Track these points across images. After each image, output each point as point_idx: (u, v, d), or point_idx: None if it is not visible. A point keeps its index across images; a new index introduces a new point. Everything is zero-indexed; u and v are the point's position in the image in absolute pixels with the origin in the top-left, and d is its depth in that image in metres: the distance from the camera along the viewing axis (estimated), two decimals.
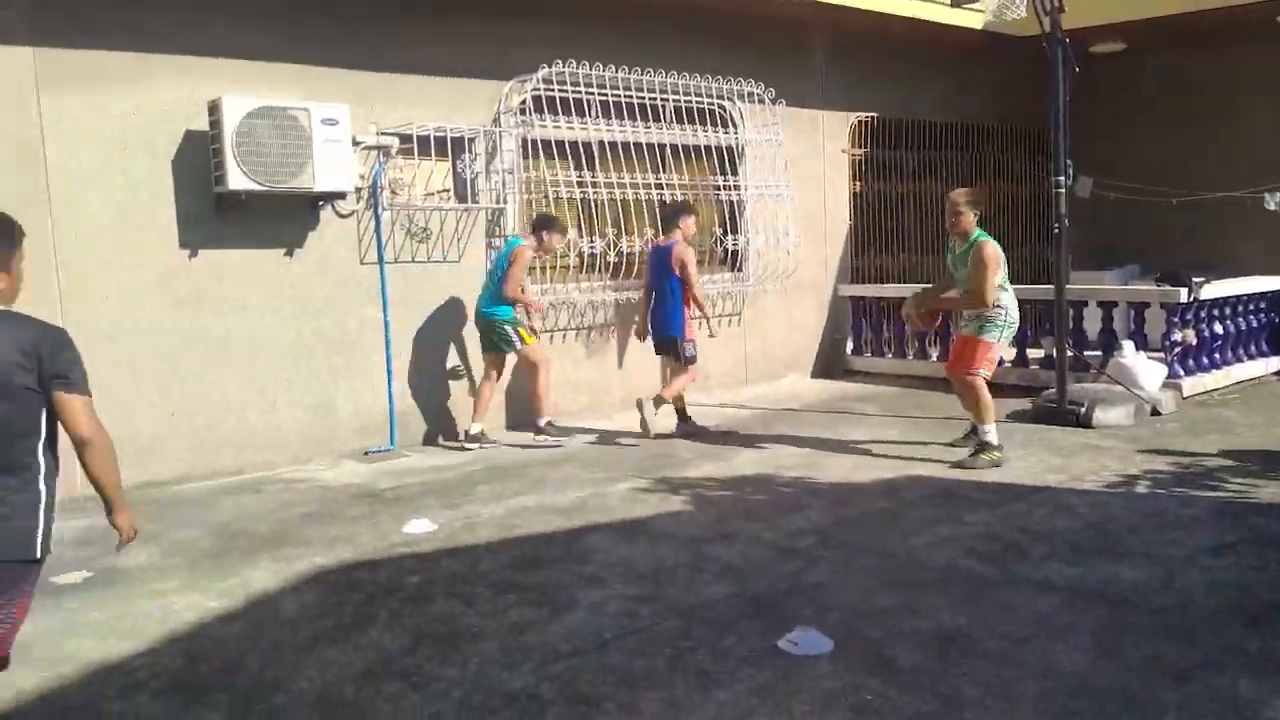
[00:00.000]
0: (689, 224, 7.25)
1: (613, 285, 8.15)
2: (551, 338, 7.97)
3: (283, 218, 6.62)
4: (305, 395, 6.78)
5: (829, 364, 9.96)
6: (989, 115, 11.27)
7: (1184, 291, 7.95)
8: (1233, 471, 5.80)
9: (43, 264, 5.71)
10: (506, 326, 6.91)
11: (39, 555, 2.67)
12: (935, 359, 9.34)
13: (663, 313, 7.21)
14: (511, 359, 7.20)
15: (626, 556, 4.60)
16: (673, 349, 7.23)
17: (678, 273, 7.07)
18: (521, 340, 6.94)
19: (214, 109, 6.15)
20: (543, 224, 7.02)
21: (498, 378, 7.16)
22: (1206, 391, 8.12)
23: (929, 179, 10.89)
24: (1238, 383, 8.49)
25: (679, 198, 8.33)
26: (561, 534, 4.99)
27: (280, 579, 4.44)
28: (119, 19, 6.04)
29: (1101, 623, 3.69)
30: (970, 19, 9.52)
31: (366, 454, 6.92)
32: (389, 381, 7.07)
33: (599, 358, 8.32)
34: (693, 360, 7.21)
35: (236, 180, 6.10)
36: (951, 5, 8.46)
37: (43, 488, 2.67)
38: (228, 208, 6.38)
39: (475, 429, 7.06)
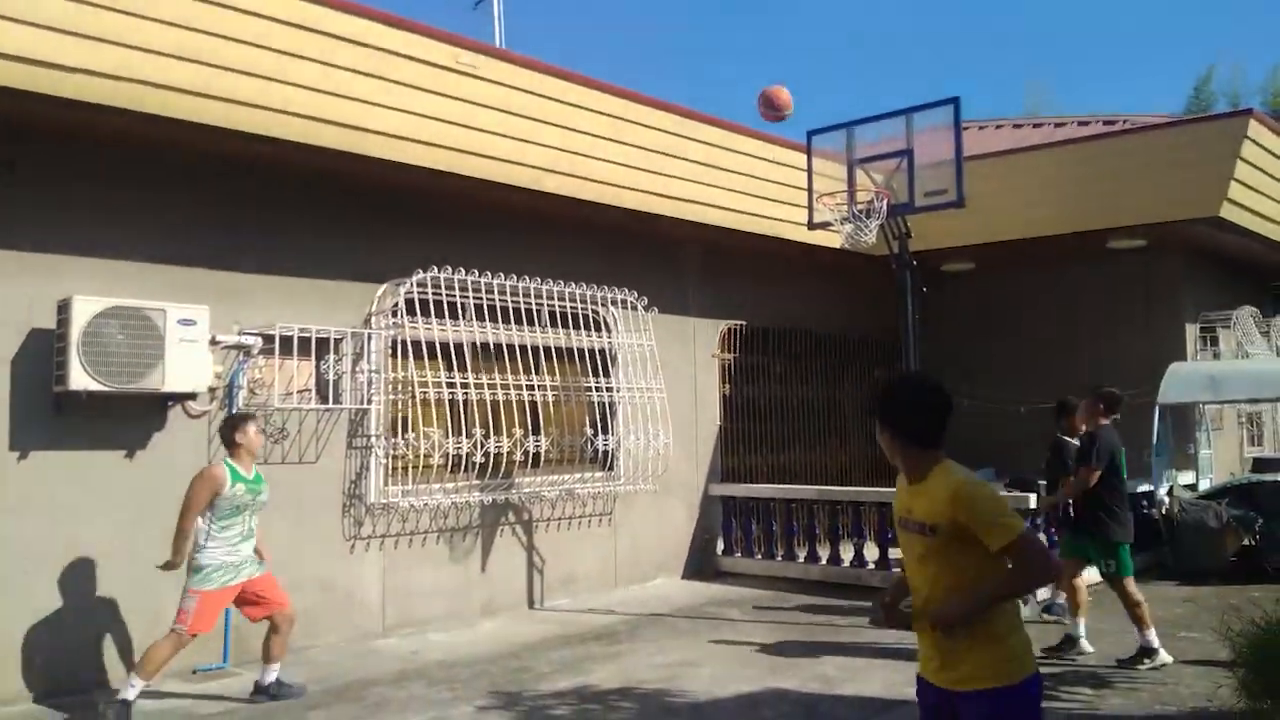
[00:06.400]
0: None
1: (479, 485, 8.01)
2: (410, 541, 7.72)
3: (127, 418, 6.38)
4: (135, 604, 6.30)
5: (701, 564, 9.89)
6: (848, 325, 11.94)
7: (1033, 498, 8.30)
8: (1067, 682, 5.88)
9: None
10: None
11: None
12: (802, 560, 9.40)
13: None
14: None
15: None
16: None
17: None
18: None
19: (63, 308, 6.01)
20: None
21: None
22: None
23: (795, 383, 11.36)
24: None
25: (550, 398, 8.42)
26: None
27: None
28: None
29: None
30: (829, 239, 10.20)
31: (195, 672, 6.40)
32: None
33: (462, 562, 8.07)
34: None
35: (78, 380, 5.89)
36: (809, 229, 9.07)
37: None
38: (67, 408, 6.11)
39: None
